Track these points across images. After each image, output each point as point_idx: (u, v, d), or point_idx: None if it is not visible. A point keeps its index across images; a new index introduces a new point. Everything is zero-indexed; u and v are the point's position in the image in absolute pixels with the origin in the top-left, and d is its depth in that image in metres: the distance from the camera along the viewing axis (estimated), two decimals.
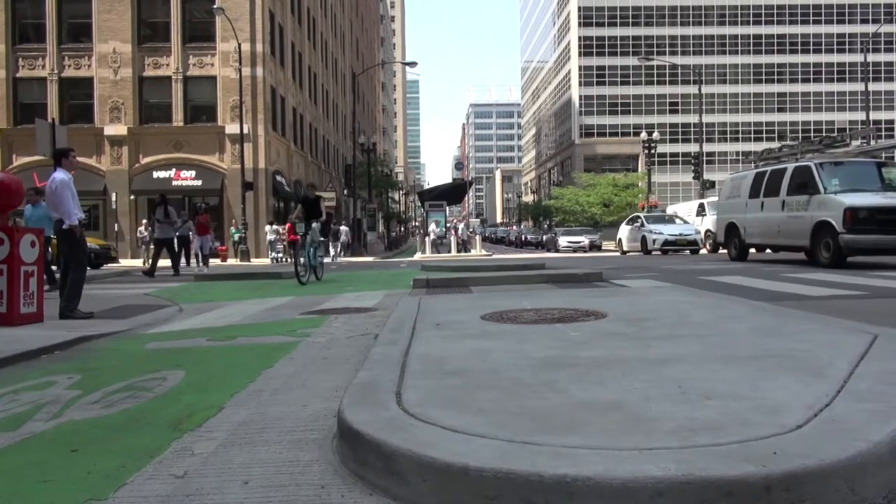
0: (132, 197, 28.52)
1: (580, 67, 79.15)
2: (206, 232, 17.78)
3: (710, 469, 1.55)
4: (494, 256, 25.81)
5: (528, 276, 9.83)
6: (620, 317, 4.39)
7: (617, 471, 1.56)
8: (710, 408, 2.10)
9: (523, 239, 49.39)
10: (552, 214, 62.49)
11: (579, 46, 79.12)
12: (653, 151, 37.71)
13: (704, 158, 34.69)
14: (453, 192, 51.46)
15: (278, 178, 30.87)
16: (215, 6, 26.42)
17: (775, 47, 78.71)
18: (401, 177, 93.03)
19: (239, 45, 27.14)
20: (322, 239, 13.04)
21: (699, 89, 34.53)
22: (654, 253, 21.48)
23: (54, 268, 10.93)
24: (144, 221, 24.21)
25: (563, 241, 33.34)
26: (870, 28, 69.35)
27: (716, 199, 21.40)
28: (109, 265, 19.11)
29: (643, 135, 38.58)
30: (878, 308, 5.51)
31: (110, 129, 28.44)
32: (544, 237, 41.24)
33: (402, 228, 79.97)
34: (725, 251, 15.45)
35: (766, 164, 14.30)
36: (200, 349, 4.57)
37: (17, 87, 28.73)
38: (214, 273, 14.84)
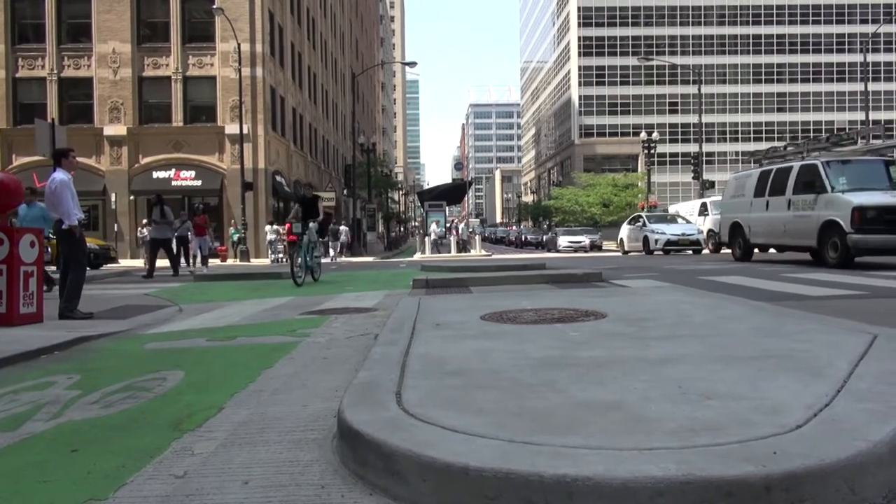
0: (132, 197, 28.50)
1: (580, 67, 79.12)
2: (204, 233, 17.75)
3: (710, 469, 1.55)
4: (494, 256, 25.79)
5: (528, 276, 9.83)
6: (620, 317, 4.39)
7: (617, 471, 1.56)
8: (710, 408, 2.10)
9: (523, 239, 49.23)
10: (552, 214, 62.51)
11: (579, 46, 79.09)
12: (652, 151, 37.75)
13: (704, 158, 34.70)
14: (453, 193, 51.57)
15: (278, 178, 30.84)
16: (215, 6, 26.40)
17: (775, 47, 78.71)
18: (400, 177, 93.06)
19: (238, 45, 27.12)
20: (321, 239, 13.02)
21: (699, 89, 34.50)
22: (656, 253, 21.40)
23: (53, 268, 10.94)
24: (144, 221, 24.18)
25: (563, 241, 33.23)
26: (870, 28, 69.36)
27: (718, 198, 21.30)
28: (109, 265, 19.13)
29: (643, 135, 38.62)
30: (877, 308, 5.51)
31: (110, 130, 28.42)
32: (544, 237, 41.12)
33: (402, 228, 79.99)
34: (728, 251, 15.29)
35: (770, 162, 14.07)
36: (200, 349, 4.57)
37: (16, 88, 28.70)
38: (214, 273, 14.82)
